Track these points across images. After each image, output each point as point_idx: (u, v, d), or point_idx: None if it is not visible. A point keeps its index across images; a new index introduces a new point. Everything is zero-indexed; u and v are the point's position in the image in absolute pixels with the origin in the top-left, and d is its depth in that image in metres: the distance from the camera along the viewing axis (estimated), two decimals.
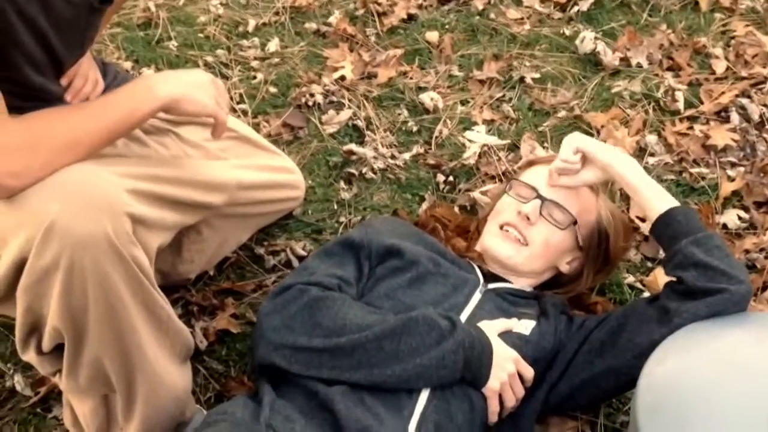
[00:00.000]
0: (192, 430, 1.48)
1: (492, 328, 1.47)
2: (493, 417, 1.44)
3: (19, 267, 1.23)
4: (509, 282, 1.63)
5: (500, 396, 1.43)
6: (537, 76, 2.38)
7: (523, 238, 1.61)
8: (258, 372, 1.46)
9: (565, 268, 1.68)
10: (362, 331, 1.37)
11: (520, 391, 1.46)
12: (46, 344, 1.33)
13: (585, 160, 1.60)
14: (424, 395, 1.37)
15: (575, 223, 1.63)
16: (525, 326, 1.52)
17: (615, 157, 1.57)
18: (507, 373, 1.43)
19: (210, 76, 1.46)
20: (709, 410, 1.24)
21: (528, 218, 1.60)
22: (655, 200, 1.52)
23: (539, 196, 1.62)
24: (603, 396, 1.55)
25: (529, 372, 1.47)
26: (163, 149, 1.59)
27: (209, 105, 1.40)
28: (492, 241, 1.64)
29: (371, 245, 1.57)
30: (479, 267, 1.64)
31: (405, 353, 1.36)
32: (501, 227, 1.64)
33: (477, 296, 1.55)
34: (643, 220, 1.90)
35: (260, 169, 1.78)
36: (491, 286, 1.59)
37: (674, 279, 1.44)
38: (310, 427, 1.30)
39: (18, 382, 1.69)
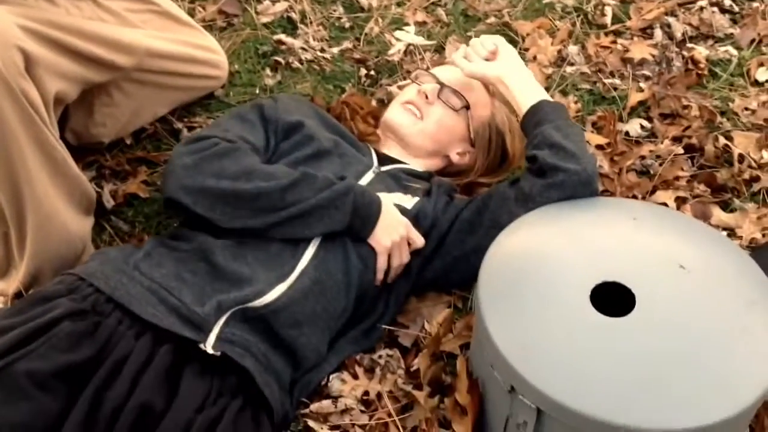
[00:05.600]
0: None
1: (385, 197, 1.57)
2: (379, 274, 1.54)
3: None
4: (404, 163, 1.73)
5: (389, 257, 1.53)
6: None
7: (420, 112, 1.73)
8: (165, 206, 1.54)
9: (455, 158, 1.78)
10: (269, 181, 1.46)
11: (407, 255, 1.56)
12: None
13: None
14: (309, 254, 1.46)
15: (468, 108, 1.73)
16: (409, 201, 1.62)
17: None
18: (399, 234, 1.53)
19: None
20: (541, 275, 1.35)
21: (426, 96, 1.72)
22: (530, 94, 1.61)
23: (439, 82, 1.74)
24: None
25: (419, 239, 1.57)
26: (76, 11, 1.63)
27: None
28: (392, 113, 1.77)
29: (278, 122, 1.65)
30: (376, 151, 1.74)
31: (302, 198, 1.46)
32: (402, 105, 1.76)
33: (369, 176, 1.64)
34: None
35: (177, 43, 1.84)
36: (384, 168, 1.69)
37: (530, 157, 1.53)
38: (177, 273, 1.40)
39: None
